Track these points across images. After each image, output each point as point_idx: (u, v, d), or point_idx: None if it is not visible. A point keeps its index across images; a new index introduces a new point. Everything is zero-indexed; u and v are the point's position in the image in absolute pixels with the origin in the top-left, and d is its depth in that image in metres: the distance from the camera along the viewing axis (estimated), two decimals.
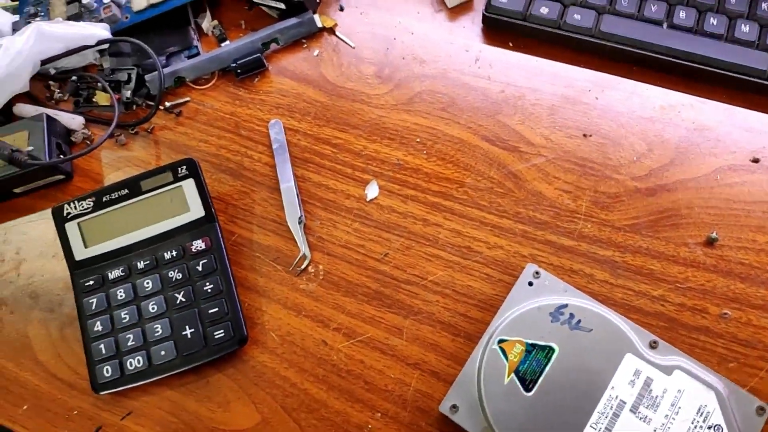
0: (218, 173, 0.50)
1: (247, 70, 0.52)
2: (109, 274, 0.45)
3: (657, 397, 0.37)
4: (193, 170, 0.46)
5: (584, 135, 0.46)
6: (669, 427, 0.36)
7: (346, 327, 0.44)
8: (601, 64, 0.48)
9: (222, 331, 0.43)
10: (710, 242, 0.42)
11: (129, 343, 0.44)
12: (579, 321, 0.39)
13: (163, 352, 0.43)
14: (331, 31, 0.53)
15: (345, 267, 0.45)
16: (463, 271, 0.44)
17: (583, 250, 0.43)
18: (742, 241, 0.42)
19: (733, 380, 0.38)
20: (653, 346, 0.38)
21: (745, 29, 0.45)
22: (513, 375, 0.38)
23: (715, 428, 0.36)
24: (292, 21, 0.53)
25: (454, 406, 0.38)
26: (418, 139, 0.48)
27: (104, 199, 0.46)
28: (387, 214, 0.46)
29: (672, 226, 0.43)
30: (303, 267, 0.45)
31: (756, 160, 0.44)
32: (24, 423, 0.44)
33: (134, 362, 0.43)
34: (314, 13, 0.53)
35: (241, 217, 0.48)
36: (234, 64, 0.52)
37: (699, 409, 0.36)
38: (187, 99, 0.53)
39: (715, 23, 0.46)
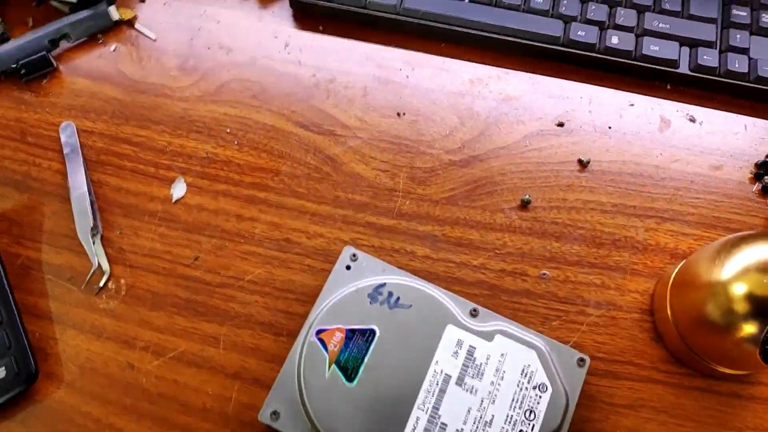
0: (1, 187, 0.42)
1: (33, 71, 0.45)
2: None
3: (481, 364, 0.34)
4: None
5: (398, 114, 0.44)
6: (496, 394, 0.34)
7: (155, 344, 0.38)
8: (410, 42, 0.47)
9: (3, 369, 0.36)
10: (524, 205, 0.41)
11: None
12: (398, 298, 0.36)
13: None
14: (130, 24, 0.48)
15: (151, 278, 0.39)
16: (282, 265, 0.40)
17: (403, 228, 0.41)
18: (554, 201, 0.41)
19: (556, 338, 0.37)
20: (473, 314, 0.36)
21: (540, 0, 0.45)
22: (334, 366, 0.34)
23: (540, 387, 0.34)
24: (85, 13, 0.47)
25: (274, 413, 0.34)
26: (228, 130, 0.44)
27: None
28: (196, 214, 0.41)
29: (487, 194, 0.42)
30: (102, 284, 0.39)
31: (561, 124, 0.44)
32: None
33: None
34: (110, 4, 0.47)
35: (28, 236, 0.41)
36: (16, 65, 0.45)
37: (523, 370, 0.34)
38: None
39: None
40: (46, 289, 0.39)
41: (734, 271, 0.33)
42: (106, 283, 0.39)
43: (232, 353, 0.38)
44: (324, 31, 0.47)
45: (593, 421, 0.36)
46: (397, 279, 0.37)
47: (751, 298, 0.32)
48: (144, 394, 0.37)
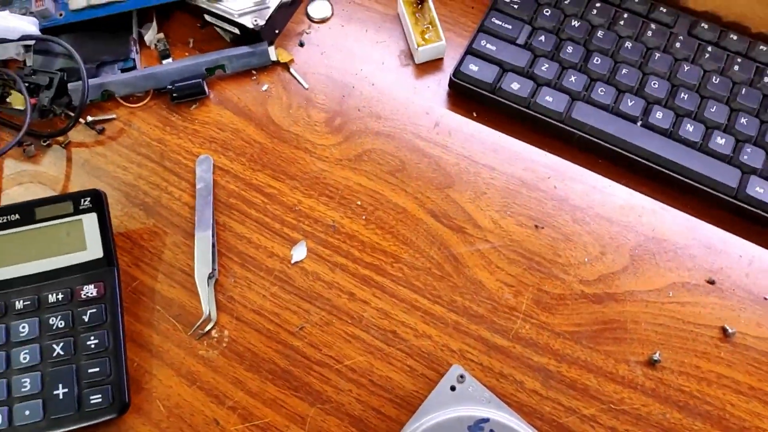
0: (131, 207, 0.44)
1: (185, 95, 0.47)
2: None
3: None
4: (98, 204, 0.40)
5: (536, 226, 0.43)
6: None
7: (243, 407, 0.38)
8: (565, 151, 0.45)
9: (100, 395, 0.38)
10: (652, 363, 0.39)
11: None
12: None
13: (27, 412, 0.37)
14: (286, 66, 0.49)
15: (253, 336, 0.40)
16: (384, 359, 0.39)
17: (516, 353, 0.39)
18: (685, 366, 0.39)
19: None
20: None
21: (720, 141, 0.42)
22: None
23: None
24: (245, 49, 0.48)
25: None
26: (359, 202, 0.44)
27: None
28: (311, 282, 0.41)
29: (615, 339, 0.39)
30: (206, 330, 0.40)
31: (711, 282, 0.41)
32: None
33: None
34: (270, 44, 0.49)
35: (147, 261, 0.42)
36: (171, 86, 0.47)
37: None
38: (113, 116, 0.48)
39: (691, 130, 0.43)
40: (152, 321, 0.41)
41: None
42: (210, 330, 0.40)
43: None
44: (477, 118, 0.46)
45: None
46: (502, 417, 0.35)
47: None
48: None
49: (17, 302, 0.39)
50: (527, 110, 0.44)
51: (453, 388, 0.37)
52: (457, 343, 0.40)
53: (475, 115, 0.47)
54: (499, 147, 0.45)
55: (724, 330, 0.39)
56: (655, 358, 0.38)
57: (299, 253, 0.42)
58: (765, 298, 0.40)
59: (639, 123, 0.44)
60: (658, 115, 0.43)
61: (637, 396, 0.38)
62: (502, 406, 0.36)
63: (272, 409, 0.38)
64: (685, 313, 0.40)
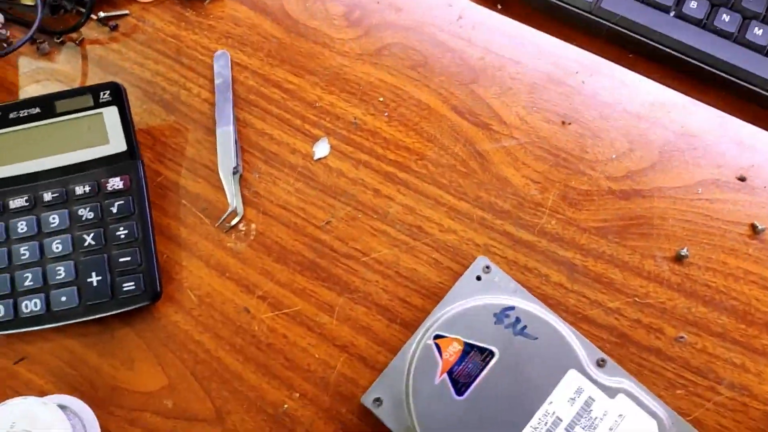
0: (150, 103, 0.44)
1: None
2: (11, 202, 0.40)
3: (596, 418, 0.34)
4: (118, 97, 0.40)
5: (563, 122, 0.42)
6: None
7: (273, 296, 0.40)
8: (594, 44, 0.44)
9: (132, 283, 0.39)
10: (679, 258, 0.39)
11: (26, 283, 0.39)
12: (525, 327, 0.36)
13: (64, 298, 0.38)
14: None
15: (280, 230, 0.41)
16: (409, 252, 0.40)
17: (542, 248, 0.40)
18: (712, 262, 0.39)
19: (678, 408, 0.36)
20: (600, 364, 0.35)
21: (758, 32, 0.41)
22: (445, 375, 0.35)
23: None
24: None
25: (377, 400, 0.35)
26: (381, 98, 0.43)
27: (11, 115, 0.40)
28: (335, 178, 0.42)
29: (641, 235, 0.40)
30: (233, 223, 0.41)
31: (742, 179, 0.41)
32: None
33: (30, 305, 0.38)
34: None
35: (170, 156, 0.43)
36: None
37: None
38: (126, 12, 0.46)
39: (726, 20, 0.41)
40: (179, 214, 0.41)
41: None
42: (237, 224, 0.41)
43: (344, 326, 0.39)
44: (502, 11, 0.45)
45: None
46: (529, 306, 0.36)
47: None
48: (254, 340, 0.39)
49: (45, 194, 0.40)
50: (555, 1, 0.43)
51: (479, 278, 0.37)
52: (483, 238, 0.40)
53: (499, 7, 0.45)
54: (526, 41, 0.44)
55: (753, 227, 0.40)
56: (683, 254, 0.39)
57: (322, 149, 0.42)
58: None
59: (672, 13, 0.42)
60: (692, 5, 0.42)
61: (662, 290, 0.39)
62: (528, 296, 0.37)
63: (301, 298, 0.40)
64: (714, 209, 0.40)
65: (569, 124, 0.42)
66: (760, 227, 0.39)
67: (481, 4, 0.45)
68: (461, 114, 0.42)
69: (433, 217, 0.41)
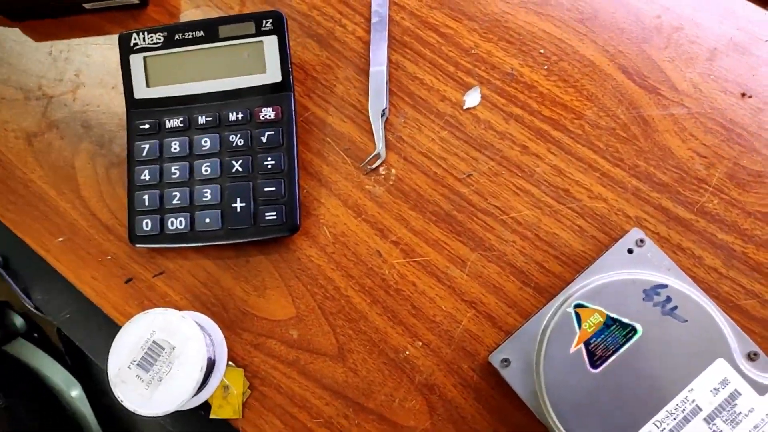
0: (305, 37, 0.45)
1: None
2: (167, 121, 0.43)
3: (740, 414, 0.33)
4: (279, 26, 0.41)
5: (742, 94, 0.39)
6: None
7: (406, 243, 0.40)
8: None
9: (274, 213, 0.41)
10: None
11: (174, 201, 0.42)
12: (675, 307, 0.34)
13: (207, 220, 0.41)
14: None
15: (420, 178, 0.41)
16: (552, 215, 0.39)
17: (699, 227, 0.38)
18: None
19: None
20: (752, 357, 0.34)
21: None
22: (582, 346, 0.35)
23: None
24: None
25: (505, 360, 0.36)
26: (542, 50, 0.42)
27: (176, 37, 0.42)
28: (482, 130, 0.41)
29: None
30: (374, 166, 0.42)
31: None
32: (57, 255, 0.44)
33: (176, 222, 0.42)
34: None
35: (319, 92, 0.44)
36: None
37: None
38: None
39: None
40: (323, 151, 0.43)
41: None
42: (378, 167, 0.42)
43: (474, 282, 0.39)
44: None
45: None
46: (682, 286, 0.35)
47: None
48: (383, 283, 0.40)
49: (200, 117, 0.42)
50: None
51: (630, 251, 0.36)
52: (635, 210, 0.39)
53: None
54: (711, 0, 0.41)
55: None
56: None
57: (473, 98, 0.42)
58: None
59: None
60: None
61: None
62: (683, 276, 0.35)
63: (434, 248, 0.40)
64: None
65: (750, 97, 0.39)
66: None
67: None
68: (628, 74, 0.40)
69: (583, 182, 0.39)
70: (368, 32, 0.44)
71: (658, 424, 0.33)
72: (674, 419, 0.33)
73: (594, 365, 0.34)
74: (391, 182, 0.41)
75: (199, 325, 0.38)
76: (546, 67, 0.41)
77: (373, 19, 0.44)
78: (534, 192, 0.40)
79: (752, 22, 0.40)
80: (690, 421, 0.33)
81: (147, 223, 0.42)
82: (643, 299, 0.35)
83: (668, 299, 0.35)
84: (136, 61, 0.43)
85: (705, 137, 0.39)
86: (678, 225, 0.38)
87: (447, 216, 0.40)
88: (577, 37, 0.41)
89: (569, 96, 0.41)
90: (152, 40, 0.42)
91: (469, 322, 0.39)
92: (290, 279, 0.41)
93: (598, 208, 0.39)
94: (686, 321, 0.34)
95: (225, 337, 0.41)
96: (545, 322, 0.36)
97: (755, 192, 0.38)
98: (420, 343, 0.39)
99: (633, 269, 0.36)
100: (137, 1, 0.47)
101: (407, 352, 0.39)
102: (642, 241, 0.36)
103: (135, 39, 0.43)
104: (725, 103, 0.39)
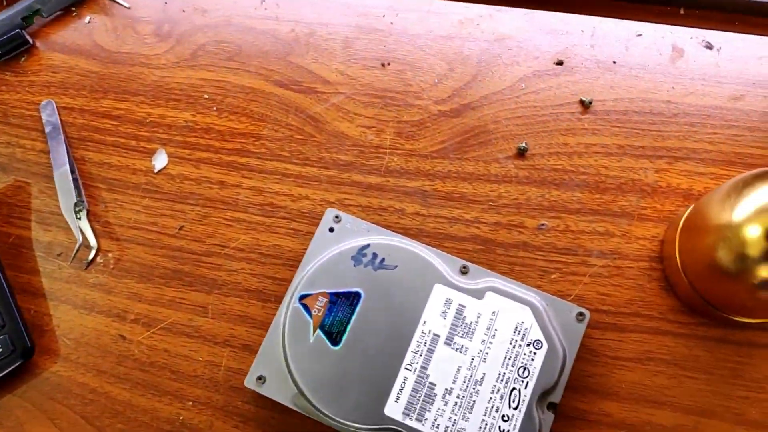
0: None
1: (9, 50, 0.48)
2: None
3: (471, 323, 0.35)
4: None
5: (382, 64, 0.44)
6: (487, 353, 0.35)
7: (145, 316, 0.40)
8: None
9: (0, 346, 0.39)
10: (521, 153, 0.41)
11: None
12: (383, 259, 0.37)
13: None
14: None
15: (137, 250, 0.42)
16: (267, 230, 0.41)
17: (391, 186, 0.41)
18: (553, 146, 0.41)
19: (557, 291, 0.38)
20: (463, 271, 0.37)
21: None
22: (318, 331, 0.36)
23: (535, 344, 0.35)
24: None
25: (260, 378, 0.36)
26: (206, 96, 0.45)
27: None
28: (179, 184, 0.43)
29: (480, 144, 0.42)
30: (90, 258, 0.42)
31: (560, 63, 0.43)
32: None
33: None
34: None
35: (17, 215, 0.44)
36: None
37: (516, 328, 0.35)
38: None
39: None
40: (37, 267, 0.42)
41: (747, 212, 0.32)
42: (94, 258, 0.42)
43: (220, 321, 0.40)
44: None
45: (596, 375, 0.36)
46: (382, 239, 0.38)
47: (765, 240, 0.31)
48: (136, 364, 0.39)
49: None
50: None
51: (331, 230, 0.39)
52: (334, 195, 0.42)
53: None
54: (329, 2, 0.47)
55: (581, 102, 0.42)
56: (523, 146, 0.41)
57: (161, 161, 0.44)
58: (614, 62, 0.43)
59: None
60: None
61: (513, 187, 0.41)
62: (381, 231, 0.38)
63: (172, 309, 0.40)
64: (541, 99, 0.42)
65: (388, 64, 0.44)
66: (587, 100, 0.42)
67: None
68: (286, 86, 0.45)
69: (282, 191, 0.42)
70: (47, 143, 0.45)
71: (409, 367, 0.35)
72: (420, 355, 0.35)
73: (335, 342, 0.36)
74: (111, 266, 0.42)
75: None
76: (215, 109, 0.45)
77: (47, 129, 0.45)
78: (244, 217, 0.42)
79: (367, 5, 0.46)
80: (434, 350, 0.35)
81: None
82: (354, 265, 0.37)
83: (374, 255, 0.37)
84: None
85: (367, 111, 0.43)
86: (373, 191, 0.41)
87: (174, 273, 0.41)
88: (232, 73, 0.45)
89: (243, 124, 0.44)
90: None
91: (229, 360, 0.39)
92: (44, 403, 0.39)
93: (303, 207, 0.42)
94: (396, 266, 0.37)
95: None
96: (281, 326, 0.37)
97: (423, 137, 0.42)
98: (190, 403, 0.38)
99: (339, 245, 0.38)
100: None
101: (181, 418, 0.38)
102: (338, 217, 0.39)
103: None
104: (371, 76, 0.44)
